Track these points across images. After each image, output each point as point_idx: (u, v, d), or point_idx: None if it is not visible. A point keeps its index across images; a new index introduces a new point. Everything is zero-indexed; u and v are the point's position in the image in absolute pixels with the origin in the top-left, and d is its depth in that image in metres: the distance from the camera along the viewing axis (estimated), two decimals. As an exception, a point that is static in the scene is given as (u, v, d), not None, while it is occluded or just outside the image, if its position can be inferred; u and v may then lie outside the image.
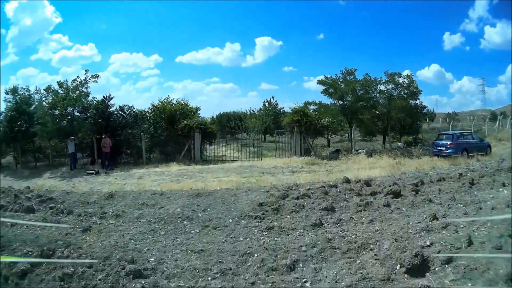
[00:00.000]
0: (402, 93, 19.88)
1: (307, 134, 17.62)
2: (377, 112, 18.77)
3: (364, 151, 18.20)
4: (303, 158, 16.49)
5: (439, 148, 15.90)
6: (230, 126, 30.33)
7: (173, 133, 16.59)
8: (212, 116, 38.22)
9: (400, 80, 19.66)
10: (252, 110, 36.70)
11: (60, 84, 17.52)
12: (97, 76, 17.80)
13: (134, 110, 18.37)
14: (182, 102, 18.18)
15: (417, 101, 20.06)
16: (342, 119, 19.62)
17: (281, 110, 37.26)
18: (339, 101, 19.15)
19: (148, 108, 18.16)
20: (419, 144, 20.42)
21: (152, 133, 17.25)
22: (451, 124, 37.16)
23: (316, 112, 18.29)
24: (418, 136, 20.89)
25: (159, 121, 17.33)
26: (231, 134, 31.28)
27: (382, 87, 19.58)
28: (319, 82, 19.16)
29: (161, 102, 17.87)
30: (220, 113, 35.65)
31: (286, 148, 18.95)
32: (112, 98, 17.76)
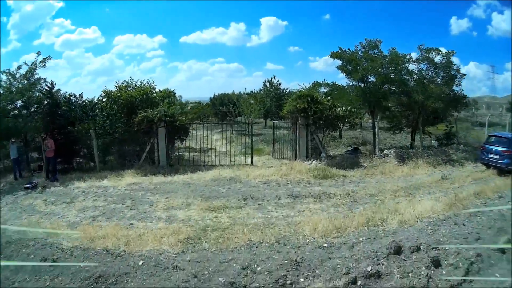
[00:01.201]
0: (439, 75, 14.56)
1: (317, 128, 12.57)
2: (412, 98, 13.50)
3: (393, 152, 13.17)
4: (310, 162, 11.61)
5: (491, 156, 10.79)
6: (222, 111, 25.28)
7: (131, 129, 11.74)
8: (210, 98, 33.07)
9: (437, 58, 14.27)
10: (251, 91, 31.53)
11: (7, 73, 12.54)
12: (49, 58, 12.83)
13: (83, 100, 13.52)
14: (148, 84, 13.19)
15: (458, 88, 14.77)
16: (362, 106, 14.34)
17: (285, 91, 32.04)
18: (359, 83, 13.94)
19: (100, 95, 13.19)
20: (455, 142, 15.37)
21: (106, 129, 12.45)
22: (473, 112, 31.48)
23: (329, 97, 12.99)
24: (450, 129, 15.59)
25: (115, 113, 12.46)
26: (222, 120, 26.39)
27: (413, 66, 14.26)
28: (333, 55, 13.79)
29: (118, 86, 12.88)
30: (214, 95, 30.41)
31: (287, 146, 14.04)
32: (54, 86, 12.88)
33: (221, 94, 28.62)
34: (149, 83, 13.23)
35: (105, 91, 12.71)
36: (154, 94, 13.58)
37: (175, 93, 18.40)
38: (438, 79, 14.61)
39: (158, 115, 11.15)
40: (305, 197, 8.01)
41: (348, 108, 13.58)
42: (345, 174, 10.39)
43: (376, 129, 13.76)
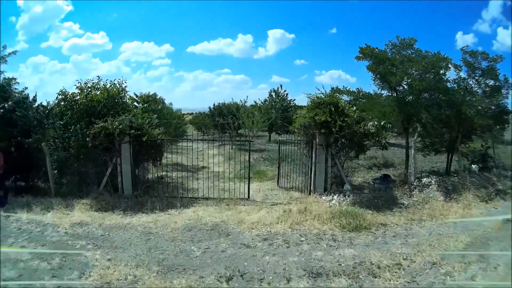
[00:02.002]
0: (480, 84, 11.31)
1: (339, 149, 9.20)
2: (459, 111, 10.14)
3: (433, 182, 9.76)
4: (330, 198, 8.21)
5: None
6: (220, 122, 22.09)
7: (88, 144, 8.46)
8: (210, 108, 29.93)
9: (483, 65, 11.06)
10: (255, 102, 28.46)
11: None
12: (14, 53, 9.97)
13: (40, 104, 10.43)
14: (119, 85, 9.96)
15: (504, 101, 11.46)
16: (396, 120, 10.86)
17: (292, 102, 28.88)
18: (391, 91, 10.65)
19: (56, 98, 9.91)
20: (492, 165, 12.01)
21: (62, 143, 9.26)
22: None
23: (355, 108, 9.49)
24: (486, 149, 12.07)
25: (71, 122, 9.26)
26: (222, 132, 23.23)
27: (452, 74, 11.00)
28: (362, 51, 10.43)
29: (79, 87, 9.64)
30: (213, 104, 27.27)
31: (296, 169, 10.71)
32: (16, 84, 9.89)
33: (220, 104, 25.54)
34: (120, 83, 9.95)
35: (61, 92, 9.50)
36: (127, 99, 10.36)
37: (157, 97, 15.26)
38: (479, 90, 11.34)
39: (120, 126, 7.86)
40: (332, 275, 4.59)
41: (381, 123, 10.12)
42: (384, 221, 6.92)
43: (412, 151, 10.35)
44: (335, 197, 8.22)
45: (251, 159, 11.46)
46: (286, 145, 11.43)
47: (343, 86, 10.96)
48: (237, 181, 10.32)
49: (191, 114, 71.63)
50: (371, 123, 9.66)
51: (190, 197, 8.88)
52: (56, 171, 9.35)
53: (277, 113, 26.99)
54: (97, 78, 9.63)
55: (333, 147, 8.70)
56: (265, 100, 29.04)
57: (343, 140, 9.02)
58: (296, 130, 9.23)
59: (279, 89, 28.22)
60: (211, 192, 9.04)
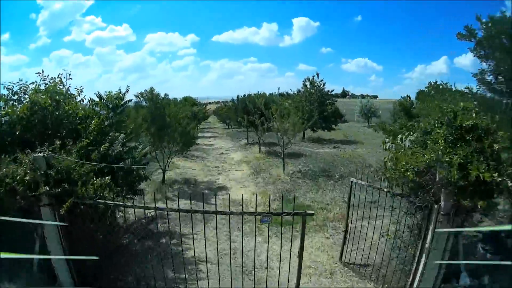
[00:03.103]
0: None
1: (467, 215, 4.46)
2: None
3: None
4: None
5: None
6: (245, 120, 17.73)
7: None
8: (233, 100, 25.59)
9: None
10: (286, 93, 23.82)
11: None
12: None
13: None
14: (62, 84, 5.76)
15: None
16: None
17: (330, 92, 23.94)
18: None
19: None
20: None
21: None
22: None
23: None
24: None
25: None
26: (247, 128, 19.04)
27: None
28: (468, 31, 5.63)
29: (8, 88, 5.62)
30: (237, 96, 22.87)
31: (378, 238, 6.11)
32: None
33: (246, 95, 21.11)
34: (64, 77, 5.71)
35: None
36: (82, 106, 6.11)
37: (154, 92, 11.28)
38: None
39: (27, 176, 3.77)
40: None
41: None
42: None
43: None
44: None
45: (288, 182, 7.03)
46: (362, 190, 6.58)
47: (446, 83, 6.09)
48: (273, 234, 6.09)
49: (218, 103, 67.72)
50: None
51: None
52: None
53: (312, 106, 22.20)
54: (40, 73, 5.45)
55: (470, 216, 4.06)
56: (299, 91, 24.25)
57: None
58: (389, 178, 4.51)
59: (315, 78, 23.23)
60: (225, 276, 4.86)
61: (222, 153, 18.34)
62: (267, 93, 22.58)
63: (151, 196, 4.63)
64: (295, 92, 24.42)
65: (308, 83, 23.50)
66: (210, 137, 27.55)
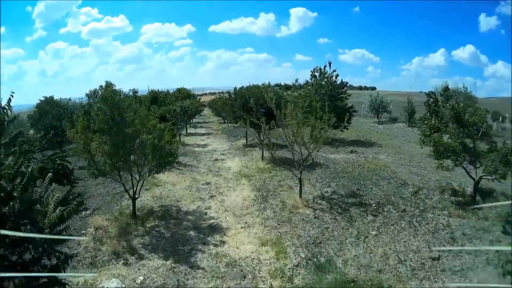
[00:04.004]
0: None
1: None
2: None
3: None
4: None
5: None
6: (247, 119, 13.95)
7: None
8: (229, 93, 21.51)
9: None
10: (293, 84, 20.17)
11: None
12: None
13: None
14: None
15: None
16: None
17: (345, 86, 20.23)
18: None
19: None
20: None
21: None
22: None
23: None
24: None
25: None
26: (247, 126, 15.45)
27: None
28: None
29: None
30: (235, 88, 18.86)
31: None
32: None
33: (246, 87, 17.14)
34: None
35: None
36: None
37: (112, 89, 7.44)
38: None
39: None
40: None
41: None
42: None
43: None
44: None
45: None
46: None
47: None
48: None
49: (214, 94, 63.44)
50: None
51: None
52: None
53: (322, 101, 18.45)
54: None
55: None
56: (307, 82, 20.44)
57: None
58: None
59: (326, 68, 19.36)
60: None
61: (216, 159, 14.64)
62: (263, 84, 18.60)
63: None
64: (305, 83, 20.60)
65: (317, 73, 19.66)
66: (203, 134, 23.75)
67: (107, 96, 6.57)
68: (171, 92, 37.32)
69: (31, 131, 19.46)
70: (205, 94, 76.96)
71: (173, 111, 18.35)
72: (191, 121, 31.75)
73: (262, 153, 14.00)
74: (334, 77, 19.42)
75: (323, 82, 19.30)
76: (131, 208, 8.13)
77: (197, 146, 18.49)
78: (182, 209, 8.59)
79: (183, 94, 37.66)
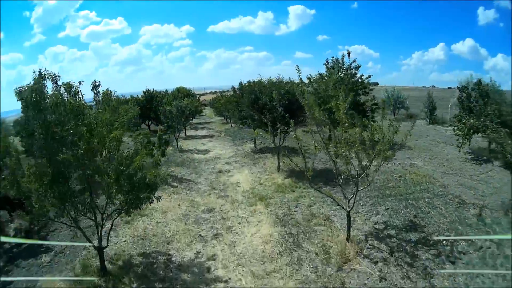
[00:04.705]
0: None
1: None
2: None
3: None
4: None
5: None
6: (259, 119, 10.95)
7: None
8: (234, 89, 18.48)
9: None
10: (309, 78, 17.11)
11: None
12: None
13: None
14: None
15: None
16: None
17: (366, 79, 17.27)
18: None
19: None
20: None
21: None
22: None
23: None
24: None
25: None
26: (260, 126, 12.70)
27: None
28: None
29: None
30: (240, 83, 15.81)
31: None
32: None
33: (254, 80, 14.07)
34: None
35: None
36: None
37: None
38: None
39: None
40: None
41: None
42: None
43: None
44: None
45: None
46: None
47: None
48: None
49: (215, 93, 60.46)
50: None
51: None
52: None
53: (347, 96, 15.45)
54: None
55: None
56: (320, 76, 17.37)
57: None
58: None
59: (345, 59, 16.33)
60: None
61: (220, 170, 11.71)
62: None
63: None
64: (316, 75, 17.56)
65: (334, 64, 16.59)
66: (204, 137, 20.79)
67: (29, 96, 3.65)
68: (169, 92, 34.36)
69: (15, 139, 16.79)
70: (206, 93, 73.74)
71: (168, 111, 15.41)
72: (191, 121, 28.81)
73: (278, 163, 11.06)
74: (354, 69, 16.40)
75: (341, 75, 16.26)
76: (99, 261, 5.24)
77: (197, 152, 15.57)
78: (173, 260, 5.69)
79: (183, 93, 34.68)
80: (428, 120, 24.09)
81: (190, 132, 23.15)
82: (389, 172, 10.66)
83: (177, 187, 9.92)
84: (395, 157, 13.43)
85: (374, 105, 18.29)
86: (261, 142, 16.58)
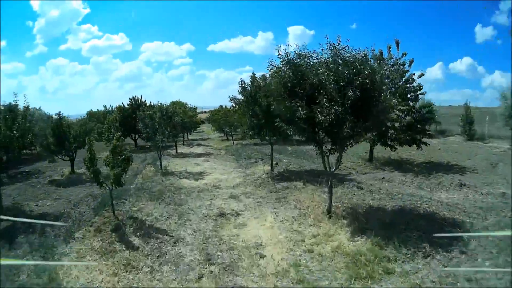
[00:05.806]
0: None
1: None
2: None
3: None
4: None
5: None
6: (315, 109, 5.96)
7: None
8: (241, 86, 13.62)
9: None
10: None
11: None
12: None
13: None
14: None
15: None
16: None
17: (419, 77, 12.65)
18: None
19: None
20: None
21: None
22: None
23: None
24: None
25: None
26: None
27: None
28: None
29: None
30: (252, 76, 11.03)
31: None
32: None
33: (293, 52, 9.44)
34: None
35: None
36: None
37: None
38: None
39: None
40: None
41: None
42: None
43: None
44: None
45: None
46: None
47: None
48: None
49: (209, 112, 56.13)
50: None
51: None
52: None
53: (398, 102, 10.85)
54: None
55: None
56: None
57: None
58: None
59: (392, 50, 11.72)
60: None
61: (223, 213, 6.52)
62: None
63: None
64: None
65: (376, 61, 11.89)
66: (200, 155, 15.66)
67: None
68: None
69: None
70: (205, 112, 69.53)
71: (148, 117, 10.44)
72: (185, 137, 23.75)
73: (330, 201, 5.93)
74: (405, 66, 11.75)
75: (390, 73, 11.54)
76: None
77: (188, 176, 10.47)
78: None
79: (179, 105, 30.03)
80: (466, 136, 19.68)
81: (182, 149, 18.03)
82: (481, 215, 5.62)
83: (138, 249, 4.75)
84: (473, 185, 8.57)
85: (430, 113, 13.67)
86: (276, 164, 11.55)
